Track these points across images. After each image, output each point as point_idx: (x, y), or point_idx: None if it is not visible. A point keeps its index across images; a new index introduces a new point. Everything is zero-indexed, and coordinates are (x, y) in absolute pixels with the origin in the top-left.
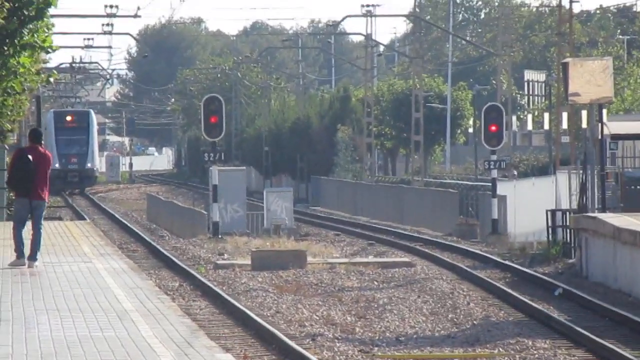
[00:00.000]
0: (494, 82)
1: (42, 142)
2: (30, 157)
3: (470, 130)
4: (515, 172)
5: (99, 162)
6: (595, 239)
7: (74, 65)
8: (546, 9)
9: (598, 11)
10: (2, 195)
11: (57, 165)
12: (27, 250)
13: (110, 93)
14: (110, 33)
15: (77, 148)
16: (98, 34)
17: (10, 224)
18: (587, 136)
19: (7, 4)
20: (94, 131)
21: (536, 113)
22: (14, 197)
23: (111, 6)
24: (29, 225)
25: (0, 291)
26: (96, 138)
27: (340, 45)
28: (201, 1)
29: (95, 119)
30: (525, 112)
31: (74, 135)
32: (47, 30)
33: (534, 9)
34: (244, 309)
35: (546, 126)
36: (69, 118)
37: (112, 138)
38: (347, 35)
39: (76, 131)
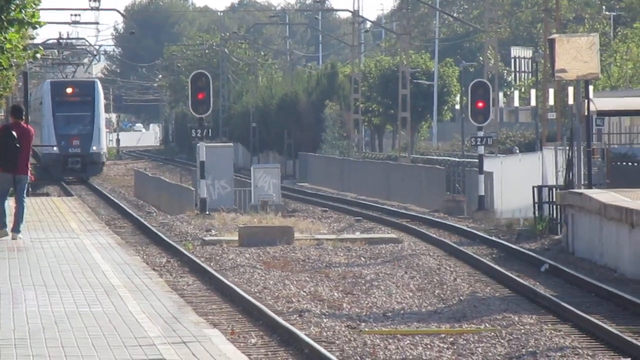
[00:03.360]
0: (480, 58)
1: (24, 118)
2: (15, 133)
3: (457, 106)
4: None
5: (106, 145)
6: (582, 215)
7: (60, 41)
8: None
9: None
10: None
11: (55, 148)
12: (10, 224)
13: (97, 69)
14: (97, 9)
15: (79, 127)
16: (85, 9)
17: None
18: (574, 112)
19: None
20: (101, 107)
21: (523, 89)
22: None
23: None
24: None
25: None
26: (103, 115)
27: (328, 21)
28: None
29: (102, 91)
30: (512, 89)
31: (77, 112)
32: (34, 6)
33: None
34: (231, 285)
35: (533, 102)
36: (69, 90)
37: None
38: (334, 12)
39: (79, 106)
